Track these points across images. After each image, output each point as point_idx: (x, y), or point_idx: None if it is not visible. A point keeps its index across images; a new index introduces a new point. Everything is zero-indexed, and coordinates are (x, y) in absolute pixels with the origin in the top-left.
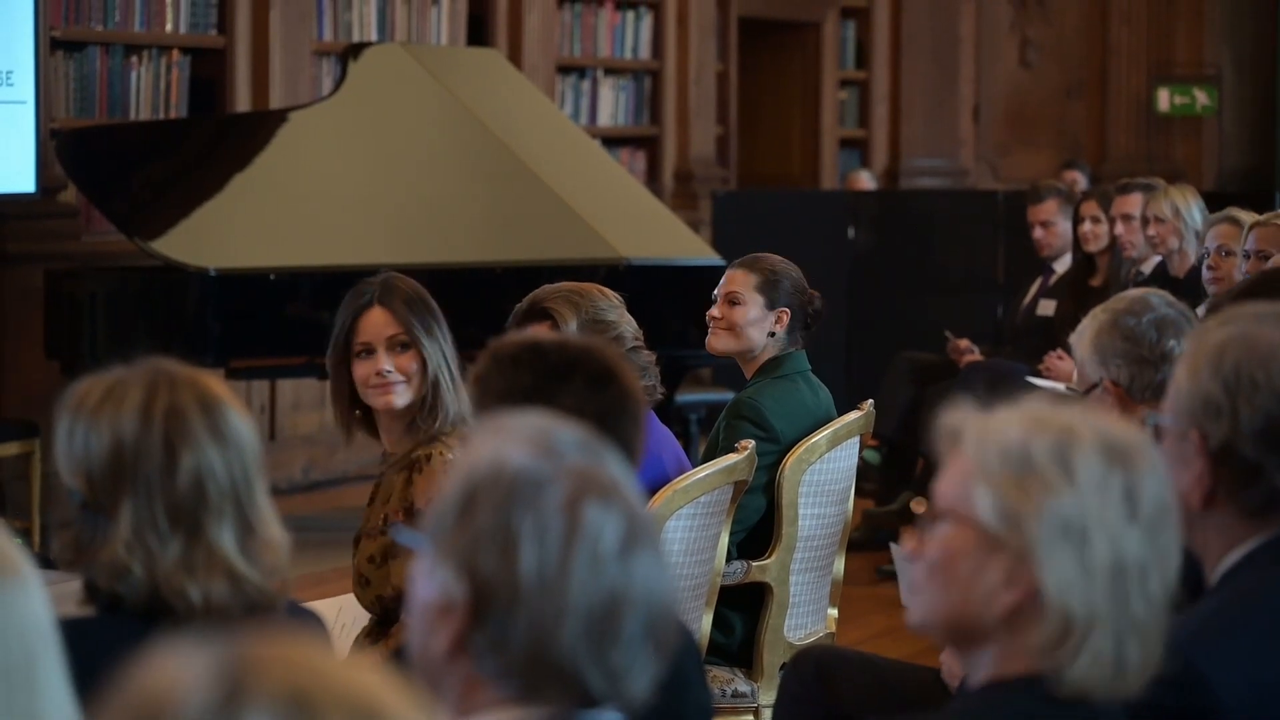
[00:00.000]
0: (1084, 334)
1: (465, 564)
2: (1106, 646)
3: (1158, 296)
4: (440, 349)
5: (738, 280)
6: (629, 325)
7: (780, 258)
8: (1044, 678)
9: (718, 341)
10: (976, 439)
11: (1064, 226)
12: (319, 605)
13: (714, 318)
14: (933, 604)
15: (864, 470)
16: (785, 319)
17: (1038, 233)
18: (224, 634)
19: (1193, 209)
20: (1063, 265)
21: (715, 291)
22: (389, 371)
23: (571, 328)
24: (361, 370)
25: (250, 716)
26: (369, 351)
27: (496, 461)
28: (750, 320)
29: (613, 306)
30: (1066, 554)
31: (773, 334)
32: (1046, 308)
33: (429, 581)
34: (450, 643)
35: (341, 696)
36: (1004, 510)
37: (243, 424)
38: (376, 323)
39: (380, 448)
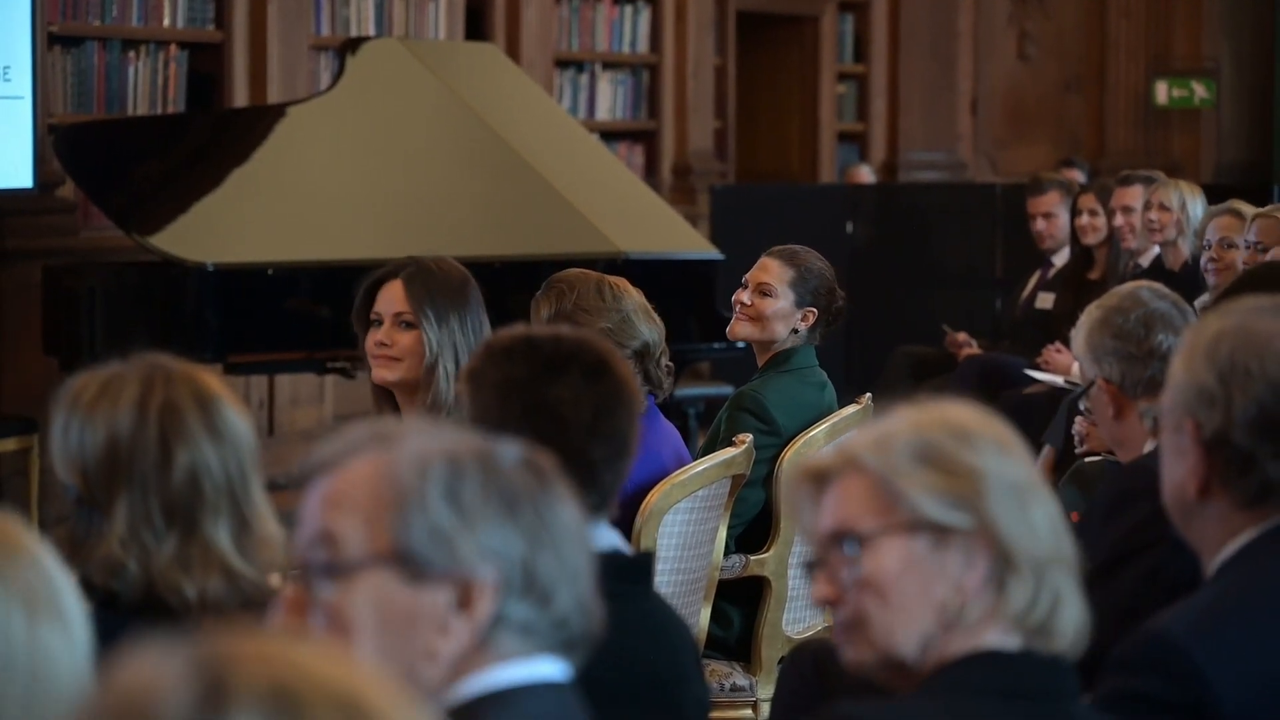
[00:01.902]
0: (1079, 333)
1: (491, 545)
2: (1072, 588)
3: (1149, 290)
4: (451, 339)
5: (772, 272)
6: (627, 324)
7: (817, 255)
8: (1011, 651)
9: (741, 329)
10: (873, 454)
11: (1065, 218)
12: None
13: (742, 304)
14: (896, 626)
15: None
16: (811, 318)
17: (1039, 224)
18: (194, 632)
19: (1197, 205)
20: (1061, 258)
21: (745, 277)
22: (384, 345)
23: (543, 319)
24: (369, 339)
25: (237, 715)
26: (378, 322)
27: (449, 454)
28: (777, 313)
29: (611, 308)
30: (1018, 514)
31: (796, 330)
32: (1045, 301)
33: (408, 595)
34: (480, 630)
35: (325, 688)
36: (948, 498)
37: (239, 420)
38: (390, 296)
39: None
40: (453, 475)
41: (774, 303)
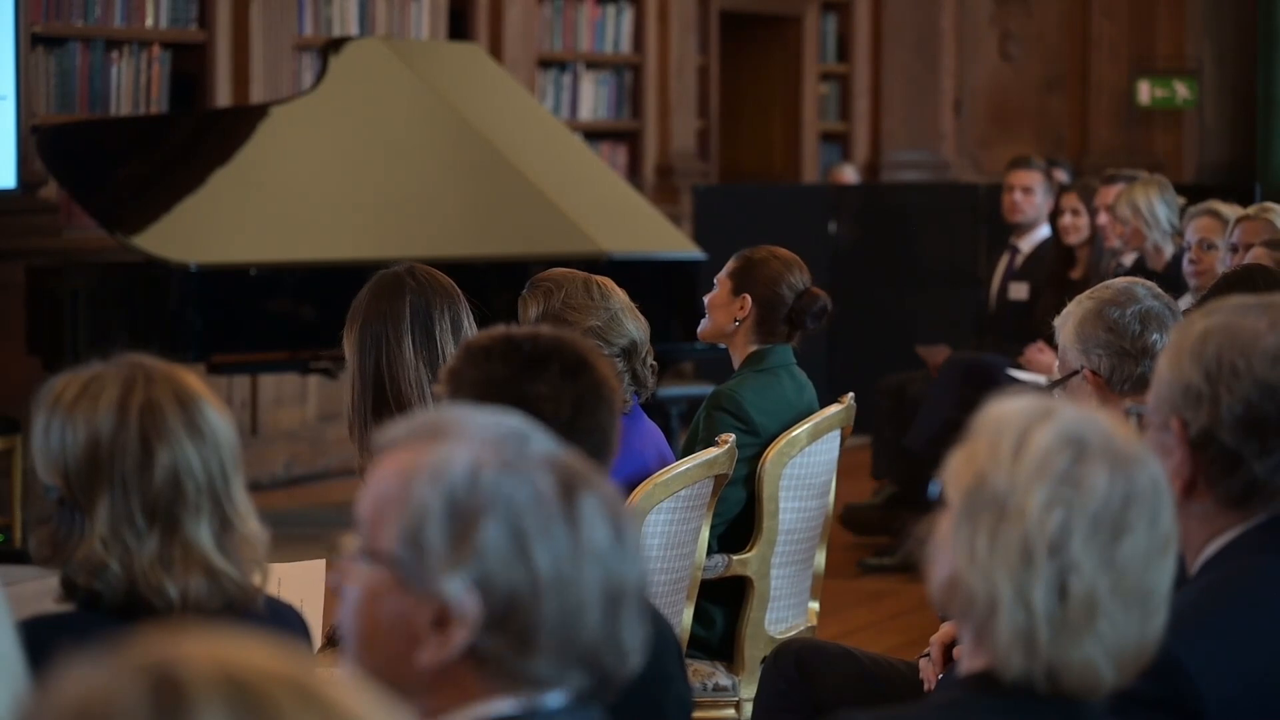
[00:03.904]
0: (1068, 320)
1: (478, 577)
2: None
3: (1143, 288)
4: (357, 350)
5: (723, 269)
6: (615, 322)
7: (774, 251)
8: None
9: (700, 326)
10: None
11: (1041, 199)
12: (291, 569)
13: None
14: None
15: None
16: (747, 306)
17: (1016, 196)
18: (126, 640)
19: (1154, 205)
20: (1028, 244)
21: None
22: None
23: (531, 318)
24: None
25: (201, 713)
26: None
27: (470, 468)
28: (717, 303)
29: (599, 306)
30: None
31: (738, 320)
32: (1019, 291)
33: (397, 599)
34: (449, 655)
35: (276, 677)
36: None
37: (220, 420)
38: None
39: None
40: (467, 497)
41: (715, 294)
